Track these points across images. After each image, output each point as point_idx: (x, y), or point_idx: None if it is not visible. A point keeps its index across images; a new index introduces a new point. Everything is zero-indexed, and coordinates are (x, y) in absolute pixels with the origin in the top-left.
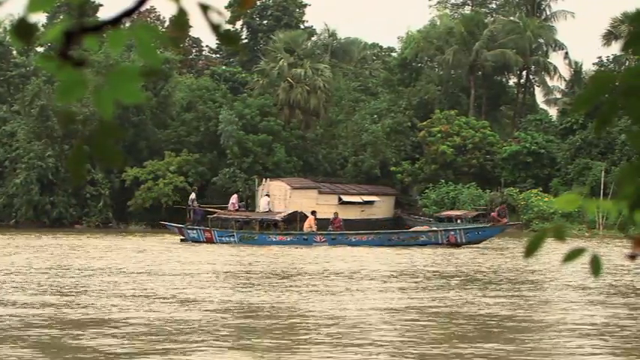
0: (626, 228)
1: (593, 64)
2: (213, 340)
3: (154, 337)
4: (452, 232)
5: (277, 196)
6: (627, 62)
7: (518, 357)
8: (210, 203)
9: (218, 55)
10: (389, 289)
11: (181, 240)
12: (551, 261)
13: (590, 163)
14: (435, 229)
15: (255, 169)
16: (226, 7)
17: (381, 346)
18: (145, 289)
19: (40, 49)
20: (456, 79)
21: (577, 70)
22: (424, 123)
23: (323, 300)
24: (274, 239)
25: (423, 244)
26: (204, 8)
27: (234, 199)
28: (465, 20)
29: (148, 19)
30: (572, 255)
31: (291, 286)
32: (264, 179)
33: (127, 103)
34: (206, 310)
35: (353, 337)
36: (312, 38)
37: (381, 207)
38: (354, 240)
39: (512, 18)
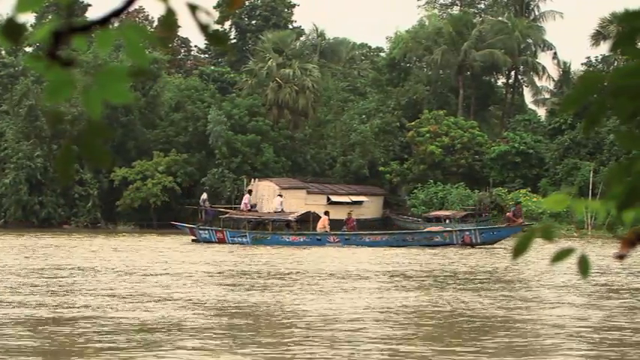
0: (614, 228)
1: (582, 64)
2: (208, 339)
3: (153, 337)
4: (467, 233)
5: (266, 197)
6: (616, 62)
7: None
8: (198, 203)
9: (207, 55)
10: (384, 288)
11: (192, 240)
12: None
13: (578, 163)
14: (449, 229)
15: (243, 169)
16: (215, 7)
17: (376, 345)
18: (169, 291)
19: (28, 49)
20: (445, 79)
21: (566, 70)
22: (413, 123)
23: (322, 300)
24: (287, 239)
25: (438, 245)
26: (193, 8)
27: (246, 199)
28: (453, 20)
29: (137, 19)
30: (561, 255)
31: (288, 286)
32: (252, 179)
33: (115, 103)
34: (207, 311)
35: (348, 336)
36: (301, 38)
37: (370, 207)
38: (368, 240)
39: (500, 18)
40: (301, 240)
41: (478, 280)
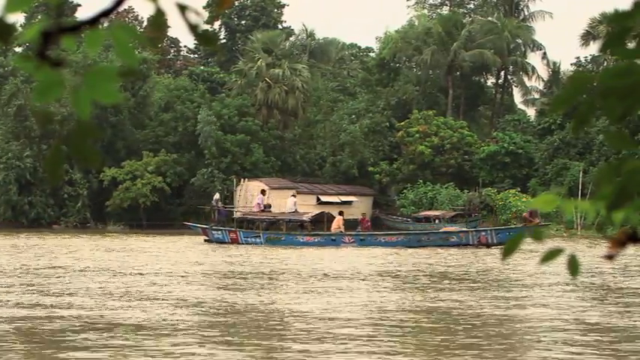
0: (603, 228)
1: (572, 64)
2: (203, 340)
3: (149, 338)
4: (483, 233)
5: (255, 197)
6: (605, 63)
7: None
8: (188, 203)
9: (196, 56)
10: (380, 288)
11: (205, 241)
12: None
13: (568, 163)
14: (465, 229)
15: (233, 169)
16: (204, 7)
17: (372, 344)
18: (183, 293)
19: (18, 49)
20: (434, 79)
21: (555, 70)
22: (402, 123)
23: (319, 300)
24: (302, 240)
25: (454, 245)
26: (182, 8)
27: (259, 199)
28: (442, 20)
29: (126, 19)
30: (550, 255)
31: (285, 286)
32: (242, 179)
33: (104, 103)
34: (204, 311)
35: (343, 336)
36: (290, 38)
37: (359, 207)
38: (383, 241)
39: (490, 18)
40: (316, 240)
41: (472, 280)
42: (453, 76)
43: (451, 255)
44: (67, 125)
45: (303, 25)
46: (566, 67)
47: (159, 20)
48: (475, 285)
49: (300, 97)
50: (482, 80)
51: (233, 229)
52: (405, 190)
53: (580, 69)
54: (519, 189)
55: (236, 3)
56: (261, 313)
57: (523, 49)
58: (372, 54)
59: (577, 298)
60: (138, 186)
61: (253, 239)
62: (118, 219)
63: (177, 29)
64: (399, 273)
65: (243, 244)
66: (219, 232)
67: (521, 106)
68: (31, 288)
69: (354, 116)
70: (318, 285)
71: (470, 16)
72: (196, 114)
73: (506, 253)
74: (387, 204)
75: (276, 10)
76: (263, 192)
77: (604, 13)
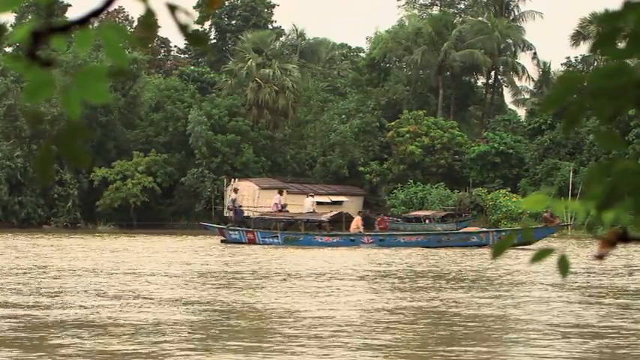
0: (594, 228)
1: (562, 64)
2: (201, 341)
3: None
4: (504, 233)
5: (245, 197)
6: (595, 63)
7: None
8: (178, 203)
9: (186, 56)
10: (378, 289)
11: (222, 241)
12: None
13: (558, 163)
14: (486, 229)
15: (223, 169)
16: (194, 7)
17: (368, 345)
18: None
19: (8, 49)
20: (425, 79)
21: (545, 70)
22: (392, 123)
23: (317, 300)
24: (320, 240)
25: (474, 245)
26: (172, 8)
27: (277, 199)
28: (433, 21)
29: (116, 19)
30: (540, 255)
31: (285, 286)
32: (232, 179)
33: (94, 103)
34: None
35: (339, 337)
36: (281, 38)
37: (350, 207)
38: (402, 241)
39: (480, 18)
40: (334, 241)
41: (469, 280)
42: (443, 76)
43: (465, 255)
44: (57, 125)
45: (294, 25)
46: (557, 67)
47: (149, 20)
48: (475, 285)
49: (291, 97)
50: (472, 80)
51: (250, 229)
52: (395, 190)
53: (570, 69)
54: (510, 189)
55: (226, 3)
56: (282, 316)
57: (513, 49)
58: (362, 54)
59: (577, 297)
60: (128, 186)
61: (271, 239)
62: (108, 219)
63: (168, 29)
64: (418, 273)
65: (260, 244)
66: (236, 233)
67: (511, 106)
68: (25, 288)
69: (344, 116)
70: (322, 285)
71: (460, 16)
72: (187, 114)
73: (496, 254)
74: (378, 204)
75: (266, 10)
76: (280, 192)
77: (594, 13)
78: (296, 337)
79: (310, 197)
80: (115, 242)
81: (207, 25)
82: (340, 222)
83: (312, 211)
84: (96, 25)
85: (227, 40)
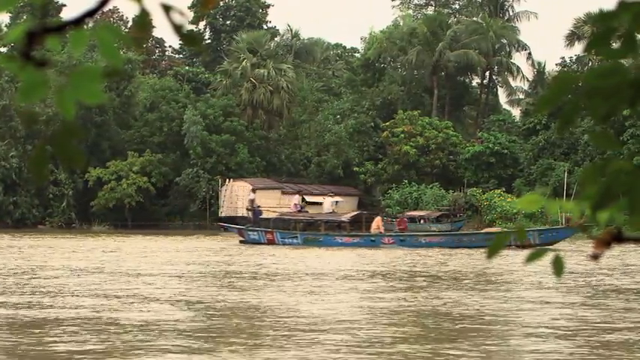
0: (588, 228)
1: (556, 64)
2: (199, 340)
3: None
4: (529, 235)
5: (240, 197)
6: (590, 63)
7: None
8: (173, 203)
9: (181, 56)
10: (374, 289)
11: (240, 242)
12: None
13: (552, 163)
14: (507, 230)
15: (218, 169)
16: (189, 8)
17: (366, 344)
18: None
19: (2, 50)
20: (419, 79)
21: (540, 70)
22: (387, 123)
23: (316, 300)
24: (340, 241)
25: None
26: (167, 9)
27: (296, 199)
28: (428, 21)
29: (111, 19)
30: (535, 255)
31: (285, 286)
32: (227, 179)
33: (89, 103)
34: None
35: (339, 337)
36: (275, 39)
37: (344, 207)
38: (424, 241)
39: (475, 19)
40: (355, 241)
41: (468, 280)
42: (437, 77)
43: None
44: (52, 125)
45: (288, 26)
46: (551, 67)
47: (143, 20)
48: (478, 285)
49: (285, 97)
50: (467, 80)
51: (269, 229)
52: (390, 190)
53: (565, 69)
54: (504, 189)
55: (221, 3)
56: (263, 314)
57: (508, 50)
58: (357, 54)
59: (578, 297)
60: (123, 186)
61: (290, 240)
62: (102, 219)
63: (162, 29)
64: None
65: (279, 245)
66: (255, 233)
67: (506, 107)
68: (24, 288)
69: (339, 116)
70: (323, 285)
71: (455, 17)
72: (181, 114)
73: (491, 254)
74: (373, 204)
75: (261, 11)
76: (300, 193)
77: (589, 14)
78: (300, 337)
79: (330, 198)
80: (137, 242)
81: (201, 25)
82: (360, 222)
83: (331, 211)
84: (90, 25)
85: (222, 41)
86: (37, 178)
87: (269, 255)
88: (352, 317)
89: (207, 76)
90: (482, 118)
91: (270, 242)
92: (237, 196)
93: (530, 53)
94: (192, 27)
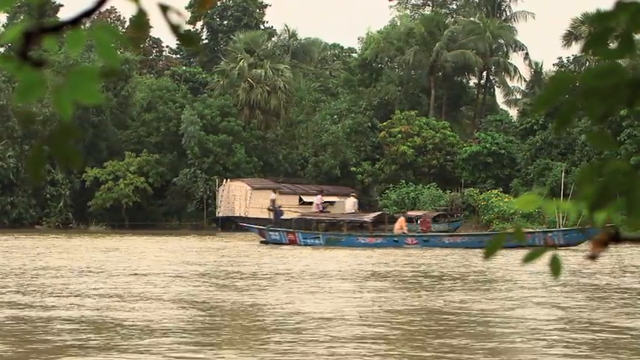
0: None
1: (554, 64)
2: (200, 340)
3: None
4: (549, 235)
5: (237, 197)
6: (587, 63)
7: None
8: (170, 204)
9: (178, 56)
10: (372, 288)
11: (262, 242)
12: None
13: (550, 163)
14: (531, 230)
15: (215, 169)
16: (186, 8)
17: (364, 345)
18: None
19: (0, 49)
20: (417, 79)
21: (537, 70)
22: (384, 123)
23: (316, 300)
24: (363, 241)
25: (518, 246)
26: (164, 9)
27: (317, 199)
28: (425, 21)
29: (108, 19)
30: (533, 255)
31: (284, 286)
32: (224, 180)
33: (86, 103)
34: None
35: (337, 337)
36: (273, 39)
37: (341, 208)
38: (447, 242)
39: (472, 19)
40: (377, 242)
41: (471, 281)
42: (435, 77)
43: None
44: (49, 125)
45: (285, 26)
46: (549, 67)
47: (141, 20)
48: (481, 285)
49: (283, 97)
50: (464, 80)
51: (291, 230)
52: (387, 191)
53: (562, 69)
54: (501, 189)
55: (218, 3)
56: (261, 314)
57: (505, 50)
58: (354, 54)
59: (580, 298)
60: (120, 186)
61: (312, 240)
62: (100, 219)
63: (160, 29)
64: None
65: (301, 245)
66: (277, 234)
67: (503, 107)
68: (25, 288)
69: (336, 116)
70: (320, 285)
71: (452, 17)
72: (178, 114)
73: (488, 254)
74: (370, 204)
75: (258, 11)
76: (322, 192)
77: (586, 14)
78: (298, 337)
79: (352, 198)
80: (135, 242)
81: (198, 25)
82: (383, 222)
83: (353, 211)
84: (88, 25)
85: (219, 41)
86: (34, 178)
87: (281, 256)
88: (359, 317)
89: (204, 76)
90: (479, 118)
91: (292, 243)
92: (234, 196)
93: (527, 53)
94: (190, 27)
